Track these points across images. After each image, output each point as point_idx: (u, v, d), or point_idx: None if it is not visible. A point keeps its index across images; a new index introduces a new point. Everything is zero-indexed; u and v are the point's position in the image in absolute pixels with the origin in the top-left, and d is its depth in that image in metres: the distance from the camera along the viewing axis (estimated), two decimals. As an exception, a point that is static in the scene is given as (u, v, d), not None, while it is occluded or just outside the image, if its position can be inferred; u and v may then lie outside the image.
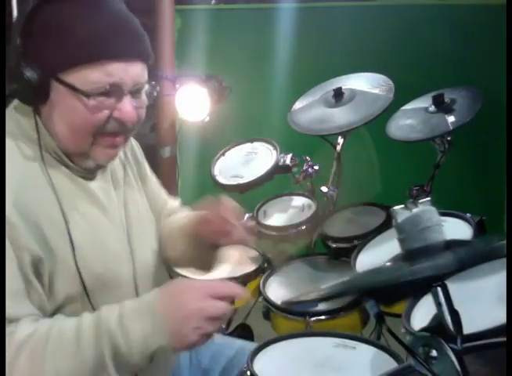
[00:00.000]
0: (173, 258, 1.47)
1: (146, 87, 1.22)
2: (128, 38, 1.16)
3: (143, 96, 1.22)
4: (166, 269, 1.46)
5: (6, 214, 1.07)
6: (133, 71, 1.16)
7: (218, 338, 1.61)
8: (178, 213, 1.54)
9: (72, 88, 1.12)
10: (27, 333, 1.03)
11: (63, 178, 1.19)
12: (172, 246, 1.45)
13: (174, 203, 1.58)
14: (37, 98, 1.14)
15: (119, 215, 1.29)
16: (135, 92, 1.18)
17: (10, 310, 1.04)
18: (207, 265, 1.47)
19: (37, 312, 1.09)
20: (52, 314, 1.14)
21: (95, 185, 1.25)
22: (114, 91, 1.14)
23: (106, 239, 1.23)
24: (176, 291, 1.10)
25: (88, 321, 1.06)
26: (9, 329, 1.03)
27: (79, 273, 1.15)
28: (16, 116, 1.19)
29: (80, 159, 1.20)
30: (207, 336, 1.06)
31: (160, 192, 1.53)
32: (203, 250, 1.41)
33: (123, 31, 1.15)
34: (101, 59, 1.11)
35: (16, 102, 1.20)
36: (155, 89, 1.24)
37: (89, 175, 1.24)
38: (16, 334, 1.03)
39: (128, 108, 1.16)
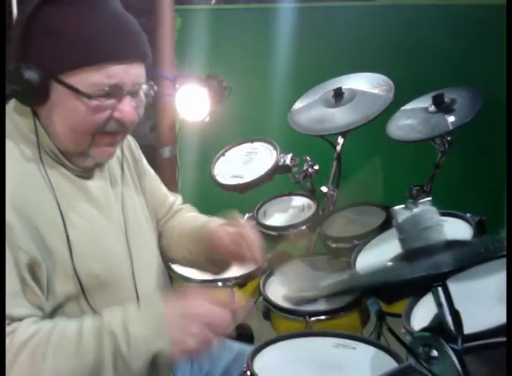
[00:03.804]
0: (182, 259, 1.48)
1: (144, 86, 1.22)
2: (128, 40, 1.16)
3: (141, 96, 1.23)
4: (166, 268, 1.45)
5: (5, 215, 1.07)
6: (133, 72, 1.16)
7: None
8: (186, 214, 1.54)
9: (74, 89, 1.12)
10: (29, 333, 1.04)
11: (60, 178, 1.19)
12: (184, 248, 1.45)
13: (177, 200, 1.58)
14: (37, 99, 1.14)
15: (117, 214, 1.29)
16: (133, 92, 1.19)
17: (8, 310, 1.05)
18: (217, 270, 1.48)
19: (36, 312, 1.09)
20: (52, 313, 1.14)
21: (92, 183, 1.26)
22: (114, 92, 1.15)
23: (104, 238, 1.24)
24: (181, 296, 1.11)
25: (90, 323, 1.07)
26: (8, 329, 1.04)
27: (76, 274, 1.15)
28: (14, 116, 1.19)
29: (79, 158, 1.21)
30: (207, 344, 1.06)
31: (161, 187, 1.53)
32: (216, 259, 1.41)
33: (123, 33, 1.16)
34: (102, 62, 1.12)
35: (13, 102, 1.20)
36: (152, 89, 1.25)
37: (87, 173, 1.25)
38: (16, 334, 1.03)
39: (127, 108, 1.17)
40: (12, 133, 1.17)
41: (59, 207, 1.15)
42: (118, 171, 1.35)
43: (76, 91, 1.12)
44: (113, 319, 1.07)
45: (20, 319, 1.06)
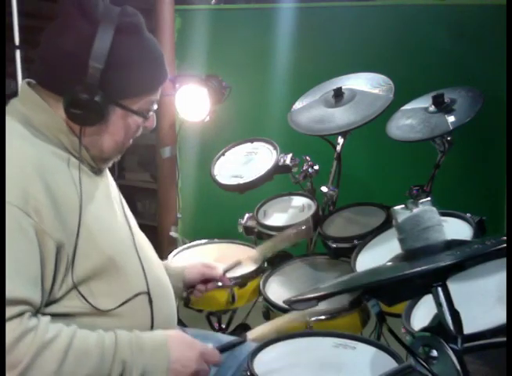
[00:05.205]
0: None
1: None
2: (165, 62, 1.31)
3: None
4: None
5: (35, 194, 1.11)
6: None
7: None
8: None
9: (134, 112, 1.27)
10: (52, 334, 1.10)
11: (83, 173, 1.24)
12: None
13: None
14: (97, 120, 1.23)
15: (119, 205, 1.37)
16: None
17: (19, 292, 1.07)
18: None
19: (40, 300, 1.12)
20: (66, 293, 1.17)
21: (102, 179, 1.34)
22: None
23: (114, 225, 1.30)
24: (186, 343, 1.25)
25: (109, 344, 1.16)
26: (29, 323, 1.07)
27: (73, 258, 1.17)
28: (30, 114, 1.22)
29: (103, 162, 1.33)
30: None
31: None
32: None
33: (163, 57, 1.30)
34: (159, 88, 1.30)
35: (29, 104, 1.23)
36: None
37: (99, 171, 1.34)
38: (39, 332, 1.08)
39: (154, 118, 1.35)
40: (26, 126, 1.20)
41: (81, 188, 1.20)
42: (108, 172, 1.43)
43: (137, 114, 1.27)
44: (125, 348, 1.16)
45: (29, 305, 1.09)
